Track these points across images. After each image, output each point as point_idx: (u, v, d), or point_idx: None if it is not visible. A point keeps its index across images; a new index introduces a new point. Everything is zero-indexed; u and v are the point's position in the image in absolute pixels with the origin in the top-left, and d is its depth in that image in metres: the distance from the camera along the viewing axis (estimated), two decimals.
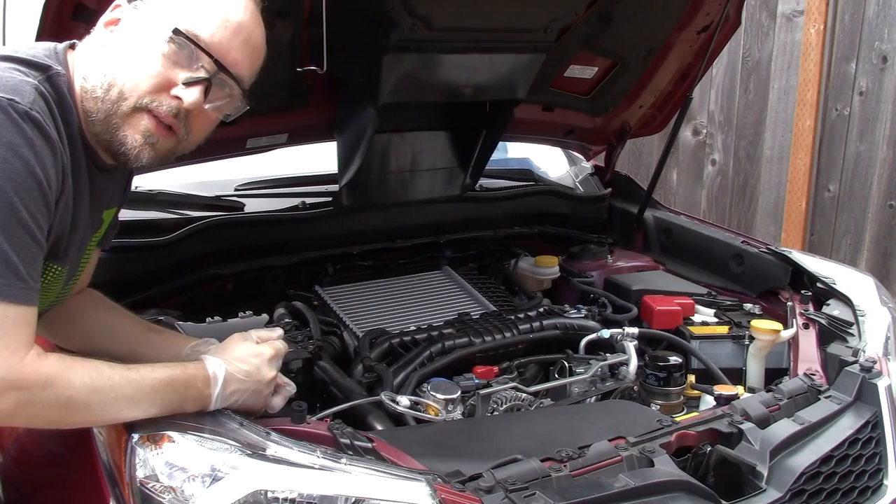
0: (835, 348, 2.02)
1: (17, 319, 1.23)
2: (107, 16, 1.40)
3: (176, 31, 1.33)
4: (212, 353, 1.51)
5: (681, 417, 1.87)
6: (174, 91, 1.35)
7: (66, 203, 1.33)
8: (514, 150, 3.29)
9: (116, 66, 1.34)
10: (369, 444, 1.45)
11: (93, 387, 1.30)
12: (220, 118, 1.46)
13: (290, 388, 1.62)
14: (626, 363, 2.08)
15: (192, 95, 1.35)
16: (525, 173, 3.03)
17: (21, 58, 1.32)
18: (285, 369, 1.69)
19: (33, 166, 1.23)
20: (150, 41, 1.34)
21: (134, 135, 1.36)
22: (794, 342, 2.12)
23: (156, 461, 1.36)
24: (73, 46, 1.43)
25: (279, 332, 1.65)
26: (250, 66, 1.43)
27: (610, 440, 1.56)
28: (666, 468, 1.50)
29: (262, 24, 1.45)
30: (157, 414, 1.38)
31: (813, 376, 1.90)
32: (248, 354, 1.52)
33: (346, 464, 1.37)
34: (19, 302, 1.23)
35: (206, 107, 1.39)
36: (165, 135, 1.38)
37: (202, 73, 1.36)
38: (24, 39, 1.83)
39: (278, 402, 1.58)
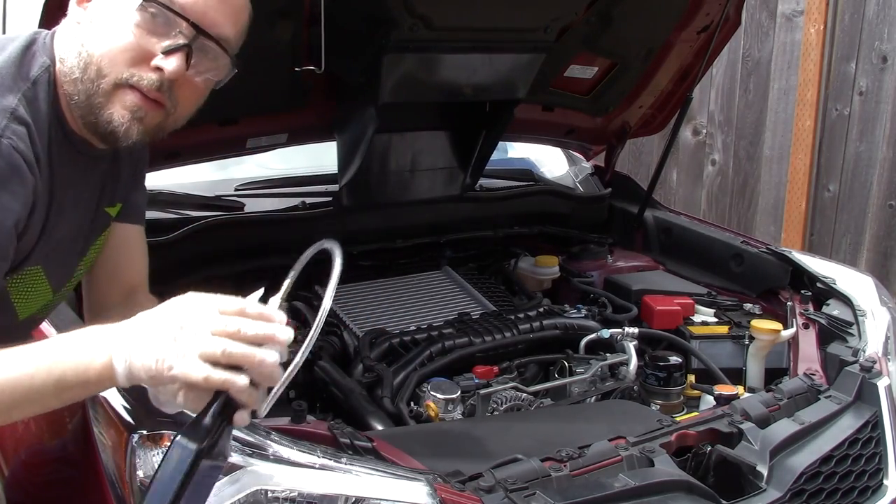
0: (835, 348, 2.02)
1: None
2: None
3: None
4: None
5: (681, 417, 1.87)
6: (154, 62, 1.27)
7: (40, 210, 1.29)
8: (514, 150, 3.29)
9: (91, 42, 1.27)
10: (369, 444, 1.45)
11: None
12: (210, 86, 1.37)
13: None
14: (626, 363, 2.08)
15: (172, 64, 1.27)
16: (525, 173, 3.02)
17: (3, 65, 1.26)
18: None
19: None
20: (122, 12, 1.26)
21: (121, 111, 1.29)
22: (794, 342, 2.12)
23: (156, 461, 1.35)
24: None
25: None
26: (234, 25, 1.33)
27: (610, 440, 1.56)
28: (666, 468, 1.50)
29: None
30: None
31: (813, 376, 1.90)
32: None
33: (346, 463, 1.37)
34: None
35: (191, 74, 1.31)
36: (152, 108, 1.30)
37: (181, 40, 1.27)
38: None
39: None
